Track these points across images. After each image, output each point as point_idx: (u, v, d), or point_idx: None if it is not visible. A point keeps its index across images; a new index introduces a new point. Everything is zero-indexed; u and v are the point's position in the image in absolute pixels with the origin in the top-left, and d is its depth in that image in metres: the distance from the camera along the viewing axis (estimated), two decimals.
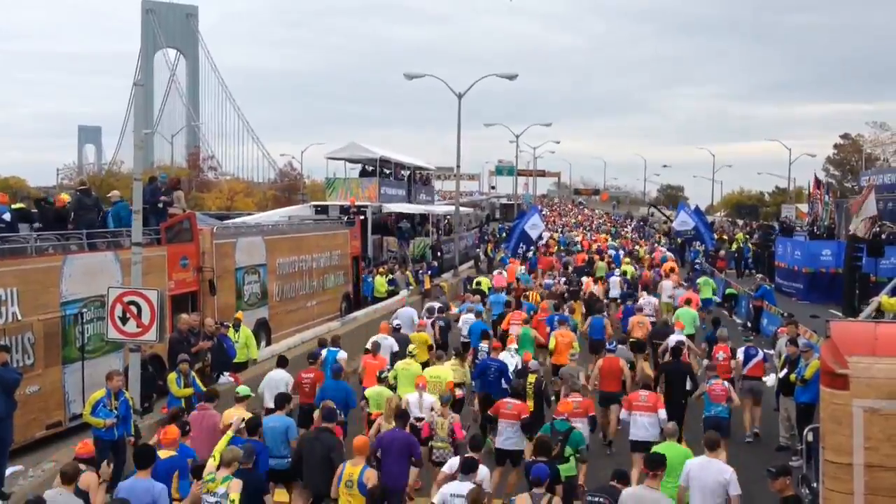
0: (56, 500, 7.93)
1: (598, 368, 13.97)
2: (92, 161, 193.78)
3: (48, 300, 13.29)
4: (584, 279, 26.01)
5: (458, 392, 12.91)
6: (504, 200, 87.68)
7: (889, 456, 6.28)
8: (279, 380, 12.89)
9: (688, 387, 13.12)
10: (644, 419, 11.56)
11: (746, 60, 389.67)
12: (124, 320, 12.13)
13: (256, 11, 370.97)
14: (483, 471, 8.68)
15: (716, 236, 44.23)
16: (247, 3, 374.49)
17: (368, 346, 14.72)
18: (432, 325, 17.98)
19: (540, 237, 37.94)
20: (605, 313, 20.49)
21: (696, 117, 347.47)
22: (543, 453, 9.30)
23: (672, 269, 27.00)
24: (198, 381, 12.65)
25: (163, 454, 9.00)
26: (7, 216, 14.31)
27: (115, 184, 56.82)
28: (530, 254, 34.92)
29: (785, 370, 13.56)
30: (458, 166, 42.36)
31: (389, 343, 15.27)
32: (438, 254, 37.51)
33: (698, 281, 26.36)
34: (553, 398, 12.99)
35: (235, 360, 15.25)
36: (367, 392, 12.70)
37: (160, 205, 17.17)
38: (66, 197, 16.53)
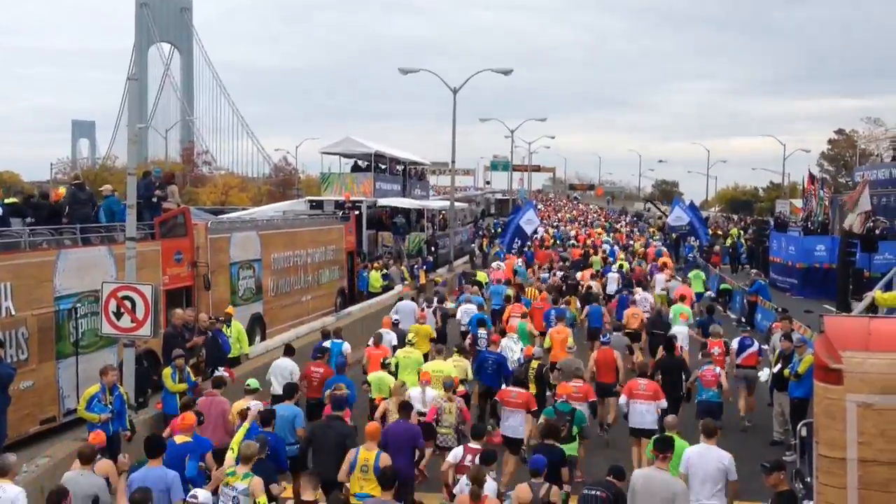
0: (78, 481, 7.96)
1: (594, 360, 14.16)
2: (86, 155, 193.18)
3: (42, 295, 13.26)
4: (580, 273, 25.99)
5: (462, 388, 12.76)
6: (499, 195, 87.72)
7: (882, 451, 6.29)
8: (285, 367, 13.12)
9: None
10: (643, 407, 11.76)
11: (741, 56, 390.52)
12: (118, 315, 12.09)
13: (250, 6, 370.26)
14: (491, 485, 8.60)
15: (710, 231, 44.30)
16: None
17: (371, 340, 14.83)
18: (434, 312, 18.08)
19: (535, 232, 37.96)
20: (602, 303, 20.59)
21: (691, 113, 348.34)
22: (552, 436, 9.47)
23: (665, 264, 27.06)
24: (192, 375, 12.66)
25: (178, 439, 9.16)
26: None
27: (108, 178, 56.78)
28: (526, 248, 34.92)
29: (779, 365, 13.61)
30: (454, 161, 42.44)
31: (390, 338, 15.54)
32: (433, 249, 37.49)
33: (689, 275, 26.40)
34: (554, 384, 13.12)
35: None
36: (370, 377, 13.07)
37: (154, 199, 17.10)
38: (62, 190, 16.47)
